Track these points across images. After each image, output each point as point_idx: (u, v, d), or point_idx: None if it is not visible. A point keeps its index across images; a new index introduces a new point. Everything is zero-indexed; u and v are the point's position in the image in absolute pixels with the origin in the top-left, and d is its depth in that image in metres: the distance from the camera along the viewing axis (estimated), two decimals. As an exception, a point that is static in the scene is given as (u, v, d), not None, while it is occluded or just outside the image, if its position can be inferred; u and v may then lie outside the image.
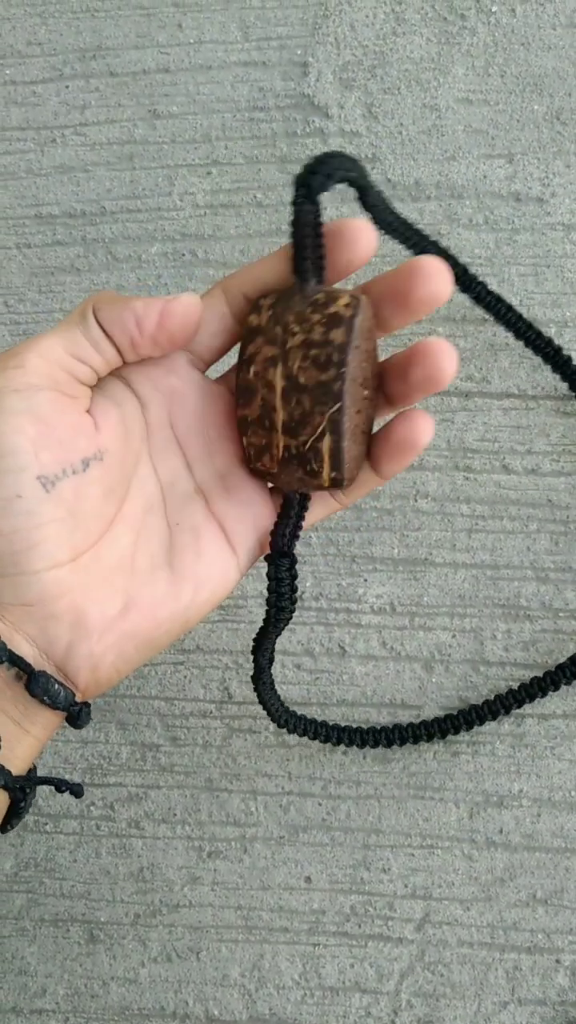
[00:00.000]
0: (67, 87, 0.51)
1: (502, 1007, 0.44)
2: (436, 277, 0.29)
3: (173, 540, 0.32)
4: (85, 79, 0.50)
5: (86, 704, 0.31)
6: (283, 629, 0.34)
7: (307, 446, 0.29)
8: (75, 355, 0.29)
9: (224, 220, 0.49)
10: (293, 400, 0.29)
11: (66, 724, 0.31)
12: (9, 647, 0.29)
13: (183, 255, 0.49)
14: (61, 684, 0.29)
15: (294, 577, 0.32)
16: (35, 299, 0.50)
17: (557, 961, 0.44)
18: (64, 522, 0.29)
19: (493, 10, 0.48)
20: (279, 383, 0.29)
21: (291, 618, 0.33)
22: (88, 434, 0.30)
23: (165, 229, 0.49)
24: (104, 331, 0.30)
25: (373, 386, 0.31)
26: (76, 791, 0.32)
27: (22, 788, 0.30)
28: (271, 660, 0.37)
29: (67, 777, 0.47)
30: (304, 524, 0.32)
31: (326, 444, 0.29)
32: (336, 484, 0.30)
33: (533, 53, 0.48)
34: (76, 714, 0.30)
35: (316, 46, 0.49)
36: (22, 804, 0.31)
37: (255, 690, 0.38)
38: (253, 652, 0.36)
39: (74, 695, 0.30)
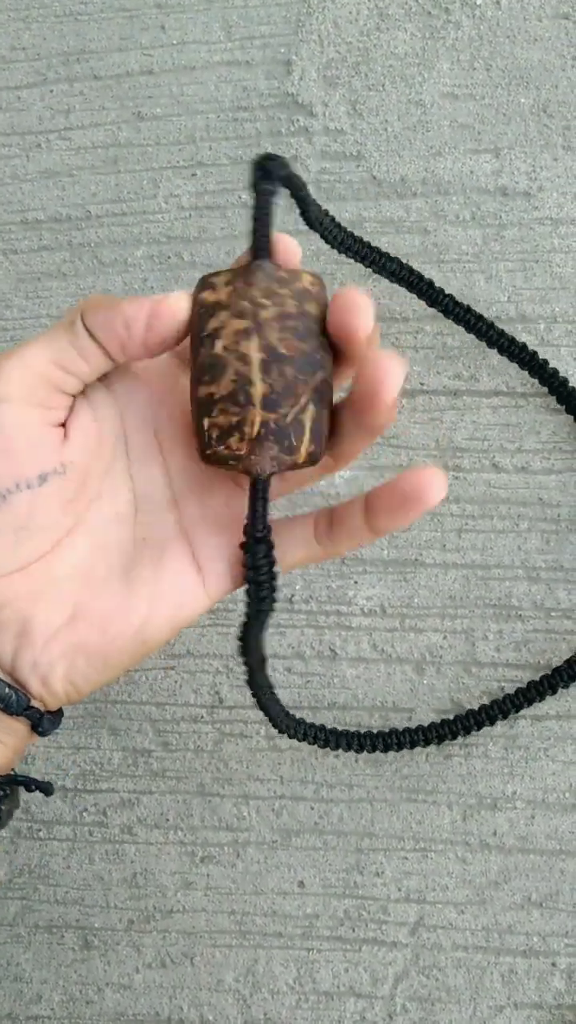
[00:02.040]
0: (51, 91, 0.50)
1: (498, 1011, 0.43)
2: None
3: (135, 553, 0.31)
4: (69, 83, 0.50)
5: (49, 712, 0.30)
6: (266, 622, 0.32)
7: (288, 418, 0.28)
8: (60, 365, 0.29)
9: (210, 222, 0.49)
10: (274, 371, 0.28)
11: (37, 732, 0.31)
12: None
13: (169, 258, 0.49)
14: (13, 688, 0.29)
15: (272, 564, 0.31)
16: (22, 305, 0.50)
17: (553, 964, 0.43)
18: (13, 535, 0.29)
19: (478, 3, 0.48)
20: (256, 355, 0.28)
21: (272, 609, 0.32)
22: (52, 447, 0.30)
23: (151, 232, 0.49)
24: (93, 338, 0.29)
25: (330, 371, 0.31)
26: (45, 789, 0.32)
27: None
28: (263, 660, 0.36)
29: (59, 784, 0.47)
30: (284, 567, 0.31)
31: (308, 415, 0.28)
32: (312, 460, 0.29)
33: (519, 46, 0.47)
34: (36, 721, 0.30)
35: (299, 44, 0.49)
36: (1, 807, 0.31)
37: (253, 695, 0.37)
38: (241, 653, 0.35)
39: (28, 700, 0.29)
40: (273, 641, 0.46)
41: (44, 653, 0.29)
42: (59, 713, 0.31)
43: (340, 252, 0.40)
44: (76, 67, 0.50)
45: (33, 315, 0.49)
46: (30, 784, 0.32)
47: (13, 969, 0.47)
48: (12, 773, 0.32)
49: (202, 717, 0.46)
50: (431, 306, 0.45)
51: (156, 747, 0.46)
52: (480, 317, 0.45)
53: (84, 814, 0.47)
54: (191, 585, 0.31)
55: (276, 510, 0.31)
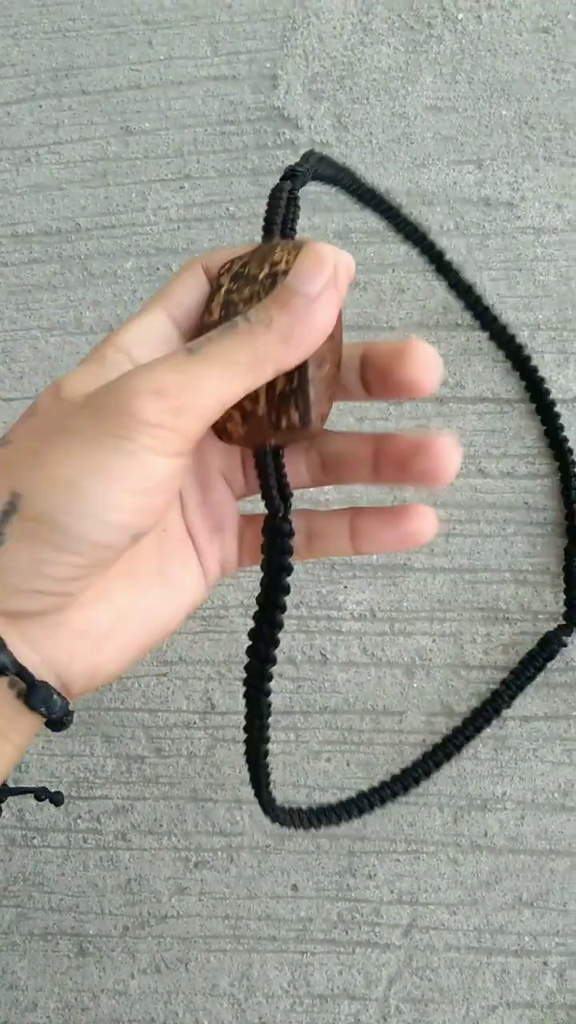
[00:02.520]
0: (40, 106, 0.51)
1: (491, 1011, 0.44)
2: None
3: (161, 548, 0.31)
4: (58, 98, 0.51)
5: (70, 711, 0.30)
6: (281, 617, 0.30)
7: (289, 388, 0.28)
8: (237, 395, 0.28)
9: (198, 233, 0.49)
10: None
11: (46, 728, 0.30)
12: (16, 657, 0.28)
13: (158, 269, 0.50)
14: (59, 695, 0.28)
15: (289, 552, 0.29)
16: (13, 317, 0.50)
17: (544, 963, 0.44)
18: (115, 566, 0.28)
19: (459, 18, 0.49)
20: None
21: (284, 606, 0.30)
22: None
23: (140, 244, 0.50)
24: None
25: (336, 343, 0.30)
26: (56, 800, 0.32)
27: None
28: (267, 694, 0.32)
29: (53, 791, 0.47)
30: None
31: (310, 382, 0.28)
32: (310, 426, 0.28)
33: (500, 59, 0.48)
34: (62, 720, 0.29)
35: (285, 59, 0.50)
36: None
37: (248, 763, 0.34)
38: (251, 676, 0.31)
39: (68, 703, 0.29)
40: (264, 646, 0.46)
41: (101, 653, 0.29)
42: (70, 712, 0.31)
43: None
44: (65, 82, 0.51)
45: (24, 327, 0.50)
46: (41, 794, 0.31)
47: (8, 977, 0.47)
48: (5, 785, 0.31)
49: (194, 723, 0.47)
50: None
51: (149, 753, 0.47)
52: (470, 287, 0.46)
53: (78, 821, 0.47)
54: (199, 577, 0.32)
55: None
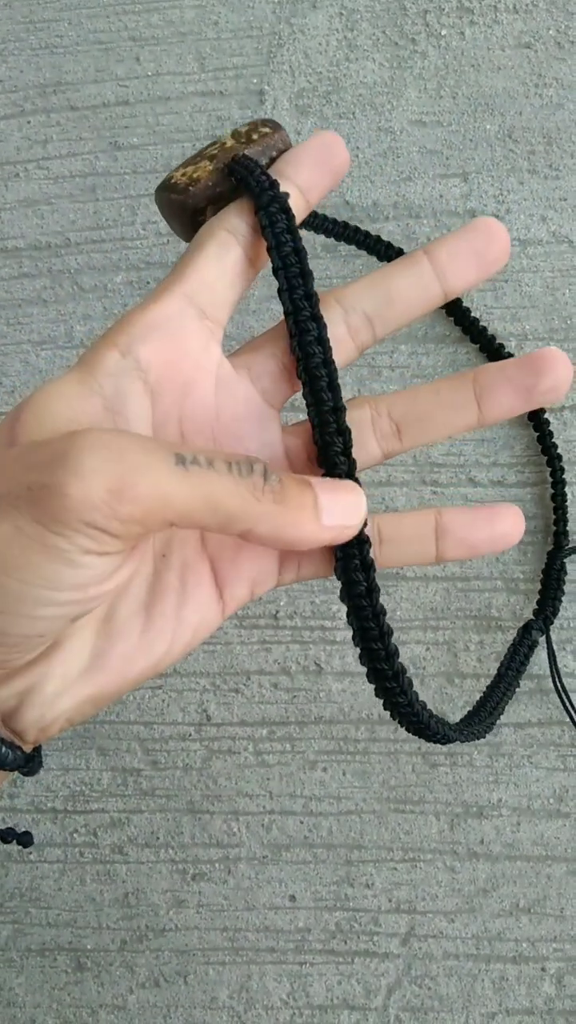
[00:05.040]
0: (29, 122, 0.51)
1: (490, 1018, 0.44)
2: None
3: (157, 578, 0.26)
4: (46, 114, 0.51)
5: (37, 751, 0.27)
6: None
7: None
8: None
9: (186, 248, 0.50)
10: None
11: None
12: None
13: (148, 283, 0.50)
14: (10, 746, 0.25)
15: (370, 568, 0.26)
16: (3, 331, 0.50)
17: (542, 969, 0.44)
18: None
19: (443, 34, 0.49)
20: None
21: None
22: None
23: (129, 258, 0.50)
24: None
25: None
26: (24, 841, 0.28)
27: None
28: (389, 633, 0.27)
29: (49, 805, 0.47)
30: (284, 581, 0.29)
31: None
32: None
33: (483, 74, 0.49)
34: (28, 767, 0.26)
35: (271, 74, 0.50)
36: None
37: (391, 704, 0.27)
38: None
39: (23, 756, 0.25)
40: (259, 657, 0.47)
41: (52, 708, 0.25)
42: (39, 750, 0.28)
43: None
44: (53, 98, 0.51)
45: (14, 341, 0.50)
46: (7, 836, 0.28)
47: (6, 994, 0.46)
48: None
49: (190, 735, 0.47)
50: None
51: (145, 766, 0.47)
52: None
53: (74, 835, 0.47)
54: (212, 611, 0.27)
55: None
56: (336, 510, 0.25)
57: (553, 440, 0.46)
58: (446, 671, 0.46)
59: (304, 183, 0.29)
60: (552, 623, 0.44)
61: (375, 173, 0.49)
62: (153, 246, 0.50)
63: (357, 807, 0.45)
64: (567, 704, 0.44)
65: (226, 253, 0.27)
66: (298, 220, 0.28)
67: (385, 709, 0.27)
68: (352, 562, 0.26)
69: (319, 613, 0.47)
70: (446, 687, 0.46)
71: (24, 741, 0.26)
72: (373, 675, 0.27)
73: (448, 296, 0.29)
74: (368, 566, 0.26)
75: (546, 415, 0.46)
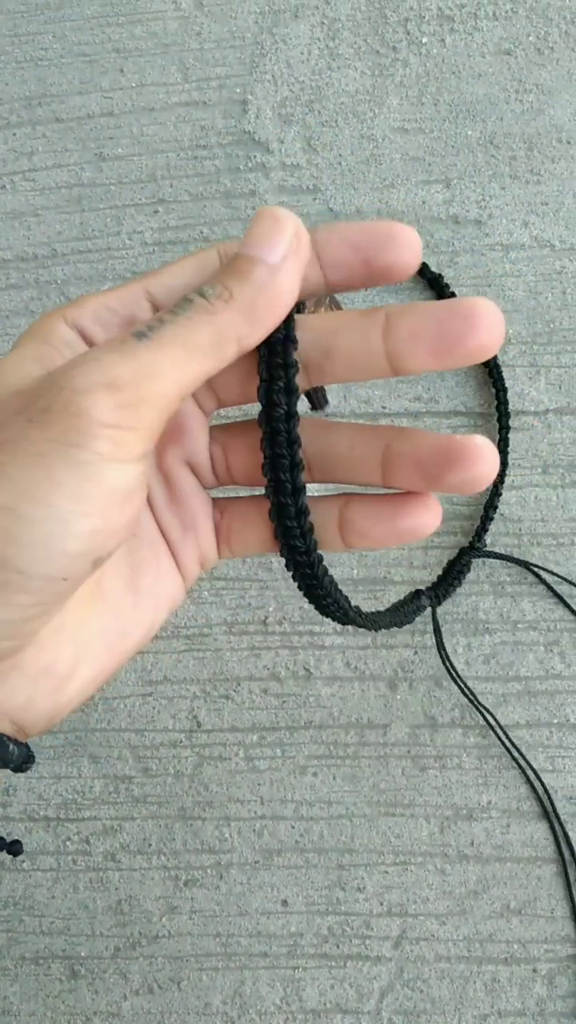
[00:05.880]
0: (14, 134, 0.52)
1: (482, 1020, 0.44)
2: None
3: (133, 555, 0.27)
4: (32, 126, 0.52)
5: (31, 754, 0.27)
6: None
7: None
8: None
9: (172, 256, 0.50)
10: None
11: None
12: None
13: (134, 292, 0.50)
14: (15, 742, 0.25)
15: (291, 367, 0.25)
16: (-9, 342, 0.50)
17: (534, 970, 0.44)
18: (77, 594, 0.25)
19: (423, 41, 0.50)
20: None
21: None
22: None
23: (115, 268, 0.50)
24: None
25: None
26: (14, 850, 0.28)
27: None
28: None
29: (41, 814, 0.47)
30: (236, 552, 0.29)
31: None
32: None
33: (464, 81, 0.49)
34: (21, 766, 0.26)
35: (254, 84, 0.50)
36: None
37: (310, 591, 0.27)
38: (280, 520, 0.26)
39: (27, 748, 0.26)
40: (249, 663, 0.47)
41: (64, 693, 0.25)
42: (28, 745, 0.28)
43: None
44: (38, 110, 0.52)
45: (3, 353, 0.50)
46: None
47: (1, 1003, 0.47)
48: None
49: (181, 742, 0.47)
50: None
51: (136, 773, 0.47)
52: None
53: (67, 843, 0.47)
54: (177, 581, 0.28)
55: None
56: (273, 243, 0.23)
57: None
58: (434, 675, 0.46)
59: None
60: (439, 604, 0.44)
61: (358, 180, 0.49)
62: (139, 256, 0.50)
63: (348, 811, 0.46)
64: (449, 668, 0.44)
65: (202, 270, 0.26)
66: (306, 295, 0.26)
67: (281, 552, 0.26)
68: (276, 384, 0.25)
69: (308, 618, 0.47)
70: (434, 690, 0.46)
71: (26, 734, 0.26)
72: (276, 510, 0.26)
73: (397, 374, 0.26)
74: (292, 390, 0.25)
75: (531, 417, 0.46)
